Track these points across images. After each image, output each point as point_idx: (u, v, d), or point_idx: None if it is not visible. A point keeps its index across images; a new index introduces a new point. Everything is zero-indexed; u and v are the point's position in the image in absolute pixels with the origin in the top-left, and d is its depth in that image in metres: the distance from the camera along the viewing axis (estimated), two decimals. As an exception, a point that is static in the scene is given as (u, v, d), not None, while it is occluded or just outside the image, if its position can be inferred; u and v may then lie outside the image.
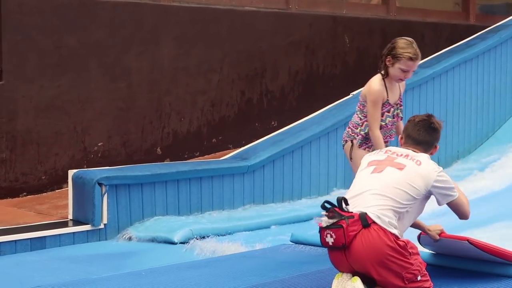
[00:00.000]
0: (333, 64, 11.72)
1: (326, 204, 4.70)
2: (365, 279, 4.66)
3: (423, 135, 5.12)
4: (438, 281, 5.05)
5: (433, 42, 12.36)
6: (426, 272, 4.82)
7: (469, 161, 10.25)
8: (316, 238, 6.36)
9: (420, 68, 10.38)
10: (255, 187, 8.61)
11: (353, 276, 4.64)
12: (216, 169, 8.33)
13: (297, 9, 11.37)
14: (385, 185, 4.81)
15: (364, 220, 4.62)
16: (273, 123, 10.69)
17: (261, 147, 8.93)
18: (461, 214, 5.14)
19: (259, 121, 10.77)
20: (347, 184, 7.98)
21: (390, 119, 6.10)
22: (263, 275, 5.56)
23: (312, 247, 6.33)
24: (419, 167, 4.88)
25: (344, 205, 4.69)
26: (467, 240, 5.14)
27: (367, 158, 5.13)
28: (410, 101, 10.11)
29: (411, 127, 5.17)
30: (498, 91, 11.32)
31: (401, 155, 4.99)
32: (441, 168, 4.99)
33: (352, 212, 4.66)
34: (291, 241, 6.60)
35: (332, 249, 4.73)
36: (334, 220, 4.63)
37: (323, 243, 4.72)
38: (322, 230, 4.68)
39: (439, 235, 5.25)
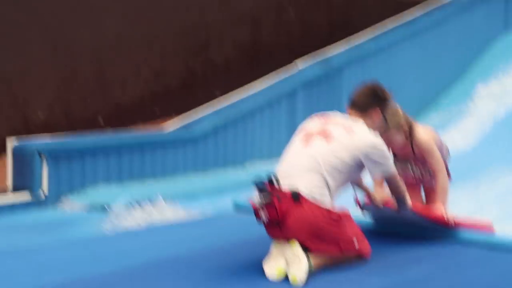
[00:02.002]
0: (278, 35, 11.70)
1: (258, 182, 4.69)
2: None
3: (357, 95, 5.03)
4: (378, 245, 5.11)
5: (379, 17, 12.37)
6: (363, 237, 4.87)
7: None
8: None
9: (364, 41, 10.49)
10: (198, 156, 8.61)
11: (291, 240, 4.67)
12: (158, 139, 8.29)
13: (242, -20, 11.32)
14: (311, 159, 4.74)
15: (296, 196, 4.63)
16: (217, 93, 10.64)
17: (204, 118, 8.91)
18: (394, 191, 5.07)
19: (202, 91, 10.72)
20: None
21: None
22: (206, 242, 5.57)
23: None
24: (349, 137, 4.79)
25: (275, 182, 4.69)
26: (416, 212, 5.23)
27: (303, 124, 5.05)
28: (354, 74, 10.17)
29: (354, 90, 5.11)
30: (441, 65, 11.46)
31: (336, 123, 4.90)
32: (378, 138, 4.86)
33: (283, 189, 4.66)
34: (233, 208, 6.61)
35: (267, 224, 4.74)
36: (266, 197, 4.63)
37: (258, 220, 4.72)
38: (255, 207, 4.68)
39: (384, 204, 5.31)
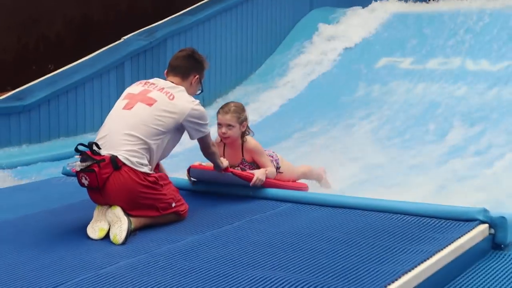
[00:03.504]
0: (106, 12, 11.24)
1: (79, 147, 4.44)
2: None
3: (179, 60, 4.83)
4: (195, 205, 4.99)
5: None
6: (180, 197, 4.73)
7: (228, 99, 10.32)
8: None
9: (184, 15, 10.29)
10: (32, 126, 8.16)
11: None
12: (-9, 109, 7.79)
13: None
14: (133, 123, 4.52)
15: (115, 163, 4.40)
16: (50, 66, 10.13)
17: (37, 88, 8.47)
18: (205, 151, 4.96)
19: (36, 64, 10.17)
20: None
21: None
22: (34, 207, 5.24)
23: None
24: (171, 102, 4.62)
25: (96, 148, 4.44)
26: (231, 172, 5.19)
27: (126, 90, 4.82)
28: (176, 45, 9.94)
29: (173, 57, 4.93)
30: (255, 39, 11.39)
31: (157, 87, 4.70)
32: (197, 102, 4.71)
33: (103, 155, 4.42)
34: (62, 174, 6.27)
35: (89, 189, 4.51)
36: (87, 164, 4.39)
37: (80, 184, 4.49)
38: (77, 173, 4.44)
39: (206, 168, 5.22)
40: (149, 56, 9.57)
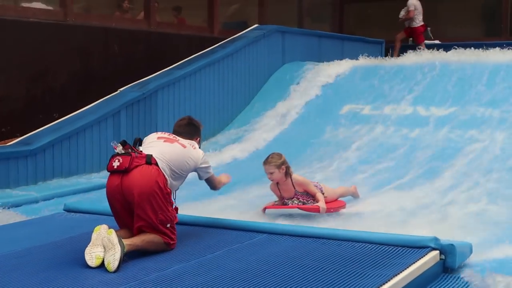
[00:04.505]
0: (105, 66, 11.21)
1: (125, 140, 4.66)
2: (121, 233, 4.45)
3: (182, 128, 5.17)
4: (181, 234, 4.92)
5: (186, 50, 12.16)
6: (175, 226, 4.74)
7: (212, 142, 10.28)
8: (84, 206, 6.03)
9: (174, 69, 10.28)
10: (38, 167, 8.04)
11: (109, 229, 4.38)
12: (2, 153, 7.66)
13: (74, 22, 10.73)
14: (172, 151, 4.81)
15: (149, 159, 4.61)
16: (54, 115, 10.03)
17: (43, 134, 8.37)
18: (212, 186, 5.34)
19: (42, 113, 10.07)
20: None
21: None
22: (37, 240, 5.12)
23: (80, 214, 5.96)
24: (193, 151, 4.99)
25: (138, 145, 4.72)
26: (298, 208, 6.08)
27: (155, 134, 5.05)
28: (166, 96, 9.92)
29: (175, 125, 5.24)
30: (235, 88, 11.40)
31: (180, 140, 5.02)
32: (204, 154, 5.10)
33: (142, 152, 4.67)
34: (64, 210, 6.17)
35: (113, 173, 4.57)
36: (127, 151, 4.59)
37: (109, 167, 4.59)
38: (113, 156, 4.59)
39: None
40: (142, 106, 9.54)
